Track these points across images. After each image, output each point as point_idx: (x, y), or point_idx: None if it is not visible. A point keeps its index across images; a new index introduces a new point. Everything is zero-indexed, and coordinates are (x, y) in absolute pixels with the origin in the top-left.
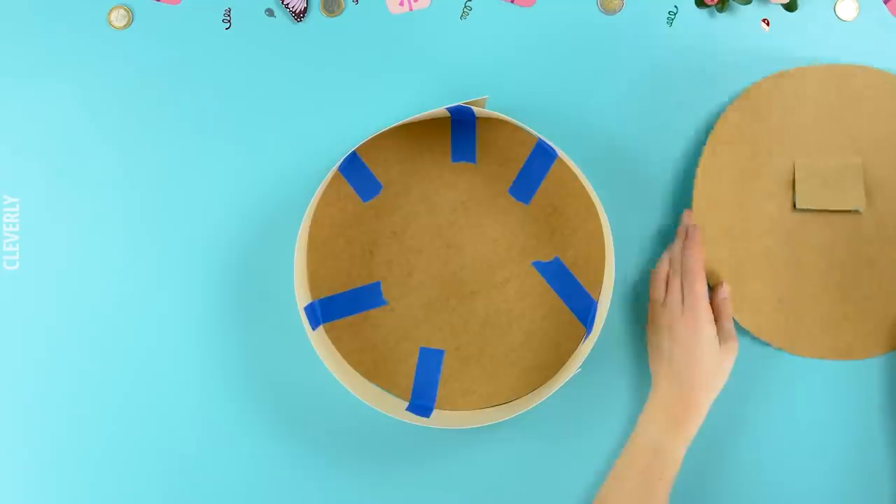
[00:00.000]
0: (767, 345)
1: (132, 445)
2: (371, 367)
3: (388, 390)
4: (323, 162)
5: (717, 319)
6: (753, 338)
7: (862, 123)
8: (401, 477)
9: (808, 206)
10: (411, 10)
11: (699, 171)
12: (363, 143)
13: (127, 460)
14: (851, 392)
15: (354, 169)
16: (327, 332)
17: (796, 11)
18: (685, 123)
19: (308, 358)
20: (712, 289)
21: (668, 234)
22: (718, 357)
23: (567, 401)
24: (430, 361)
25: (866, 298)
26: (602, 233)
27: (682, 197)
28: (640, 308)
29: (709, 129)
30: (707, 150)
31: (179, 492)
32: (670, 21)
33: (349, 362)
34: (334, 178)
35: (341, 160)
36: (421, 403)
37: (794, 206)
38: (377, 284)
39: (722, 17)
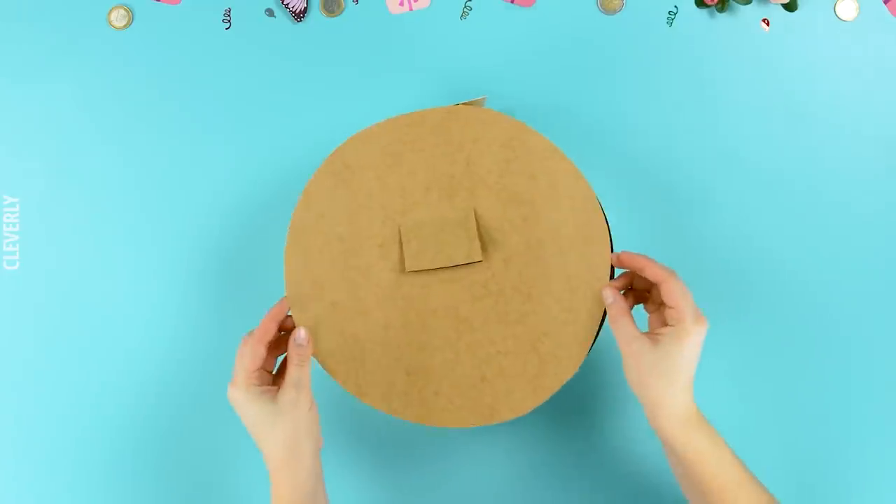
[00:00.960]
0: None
1: (130, 445)
2: None
3: None
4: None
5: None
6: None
7: (464, 168)
8: (400, 476)
9: (420, 267)
10: (411, 10)
11: (288, 252)
12: None
13: (125, 460)
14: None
15: None
16: None
17: (796, 11)
18: (685, 123)
19: None
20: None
21: (667, 233)
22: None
23: (567, 399)
24: None
25: (502, 355)
26: None
27: (683, 196)
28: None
29: (708, 129)
30: (294, 223)
31: (178, 491)
32: (670, 21)
33: None
34: None
35: None
36: None
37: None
38: None
39: (722, 17)
